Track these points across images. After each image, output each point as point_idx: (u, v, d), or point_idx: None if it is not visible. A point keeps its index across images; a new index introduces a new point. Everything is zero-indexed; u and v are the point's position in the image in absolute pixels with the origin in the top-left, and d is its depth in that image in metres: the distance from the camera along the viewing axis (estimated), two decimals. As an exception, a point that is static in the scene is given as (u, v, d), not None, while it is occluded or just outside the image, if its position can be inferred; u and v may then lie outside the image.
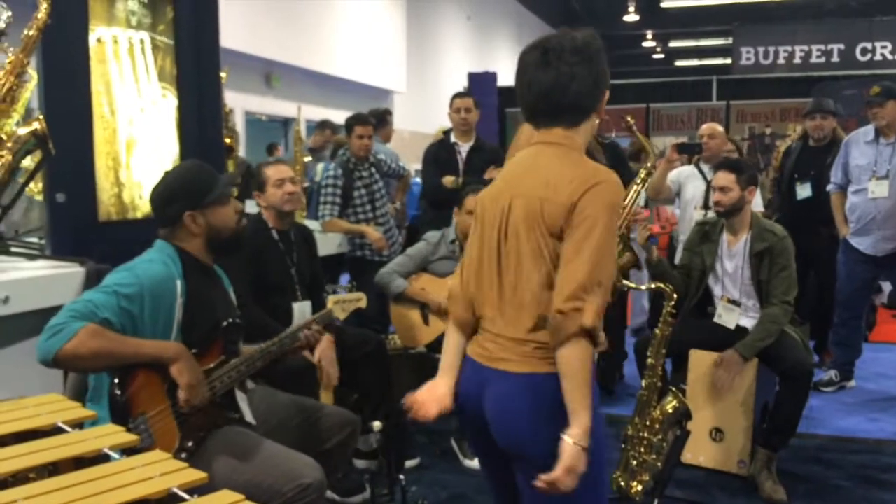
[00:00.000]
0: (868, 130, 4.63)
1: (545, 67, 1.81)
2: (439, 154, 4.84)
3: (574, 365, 1.70)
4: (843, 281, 4.76)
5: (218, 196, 2.31)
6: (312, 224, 4.55)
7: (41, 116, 2.86)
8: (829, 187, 4.81)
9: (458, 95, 4.88)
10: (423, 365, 4.18)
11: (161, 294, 2.14)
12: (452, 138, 4.86)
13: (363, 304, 2.85)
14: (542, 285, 1.78)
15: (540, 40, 1.86)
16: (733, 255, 3.58)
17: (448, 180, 4.67)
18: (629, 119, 2.92)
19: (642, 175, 3.33)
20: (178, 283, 2.19)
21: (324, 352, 3.16)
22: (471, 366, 1.92)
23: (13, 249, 3.06)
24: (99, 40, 3.20)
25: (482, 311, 1.92)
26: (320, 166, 6.06)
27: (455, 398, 1.96)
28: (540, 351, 1.79)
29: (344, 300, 2.81)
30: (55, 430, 1.55)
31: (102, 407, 2.02)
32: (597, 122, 1.94)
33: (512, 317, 1.83)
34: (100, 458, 1.43)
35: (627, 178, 3.25)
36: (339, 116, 5.95)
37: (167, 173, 2.38)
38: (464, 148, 4.80)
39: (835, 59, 13.81)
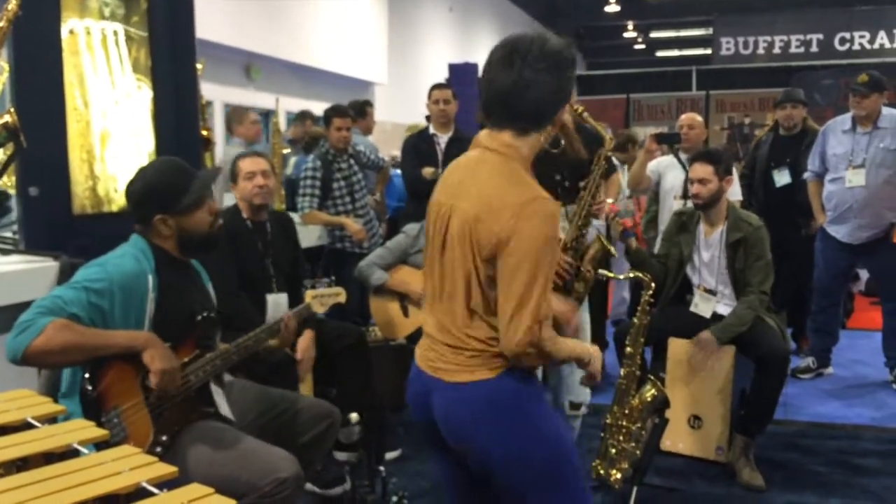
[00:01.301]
0: (845, 119, 4.66)
1: (508, 68, 1.74)
2: (419, 145, 4.84)
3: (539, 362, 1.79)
4: (821, 269, 4.80)
5: (191, 201, 2.28)
6: (292, 216, 4.53)
7: (12, 109, 2.82)
8: (806, 175, 4.85)
9: (436, 87, 4.87)
10: (404, 357, 4.18)
11: (132, 289, 2.13)
12: (431, 129, 4.85)
13: (342, 298, 2.84)
14: (471, 299, 1.79)
15: (509, 39, 1.79)
16: (710, 245, 3.60)
17: (427, 171, 4.67)
18: (578, 108, 2.89)
19: (599, 161, 3.20)
20: (150, 278, 2.18)
21: (305, 350, 3.15)
22: (415, 372, 1.93)
23: (-14, 244, 3.03)
24: (71, 32, 3.16)
25: (426, 316, 1.93)
26: (293, 160, 6.04)
27: (408, 403, 1.99)
28: (475, 359, 1.79)
29: (322, 294, 2.80)
30: (25, 426, 1.53)
31: (75, 402, 2.00)
32: (545, 134, 1.91)
33: (447, 325, 1.83)
34: (69, 454, 1.41)
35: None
36: (319, 108, 5.91)
37: (142, 170, 2.35)
38: (443, 139, 4.80)
39: (814, 48, 13.91)
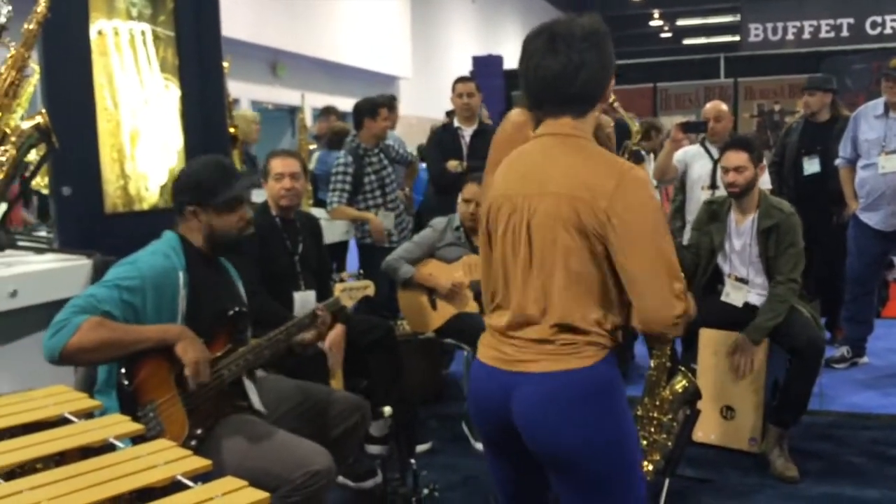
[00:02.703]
0: (878, 104, 4.57)
1: (553, 54, 1.73)
2: (443, 139, 4.84)
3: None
4: (854, 257, 4.73)
5: (225, 201, 2.31)
6: (319, 212, 4.56)
7: (43, 110, 2.86)
8: (838, 161, 4.77)
9: (459, 80, 4.87)
10: (433, 350, 4.20)
11: (163, 286, 2.16)
12: (456, 123, 4.85)
13: (371, 291, 2.84)
14: (573, 288, 1.73)
15: (545, 25, 1.78)
16: (741, 233, 3.56)
17: (452, 165, 4.67)
18: (610, 97, 2.87)
19: (624, 154, 3.19)
20: (181, 275, 2.20)
21: (334, 341, 3.17)
22: (487, 373, 1.84)
23: (21, 243, 3.08)
24: (100, 32, 3.20)
25: (495, 314, 1.86)
26: (316, 155, 6.07)
27: (470, 407, 1.93)
28: (566, 347, 1.74)
29: (351, 287, 2.81)
30: (62, 421, 1.56)
31: (111, 397, 2.04)
32: (600, 111, 1.88)
33: (530, 319, 1.77)
34: (105, 448, 1.44)
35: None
36: (345, 104, 5.95)
37: (191, 161, 2.41)
38: (467, 132, 4.79)
39: (844, 33, 13.66)
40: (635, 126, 2.87)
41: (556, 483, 1.85)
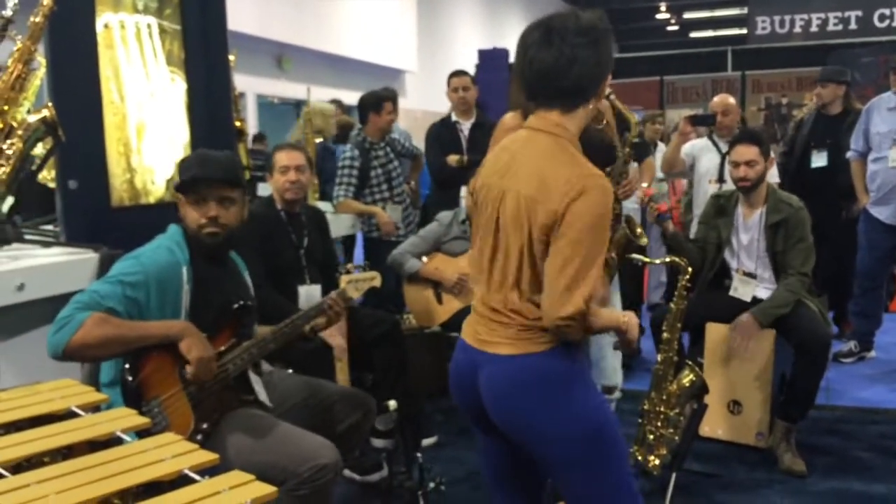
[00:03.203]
0: (890, 97, 4.54)
1: (547, 47, 1.77)
2: (441, 134, 4.81)
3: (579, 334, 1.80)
4: (864, 251, 4.70)
5: (184, 189, 2.28)
6: (325, 206, 4.55)
7: (50, 103, 2.86)
8: (849, 154, 4.73)
9: (454, 74, 4.85)
10: (439, 344, 4.19)
11: (167, 281, 2.15)
12: (453, 117, 4.83)
13: (377, 282, 2.83)
14: (522, 278, 1.82)
15: (543, 19, 1.82)
16: (749, 228, 3.54)
17: (452, 159, 4.65)
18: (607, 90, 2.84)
19: (624, 148, 3.13)
20: (185, 270, 2.20)
21: (339, 335, 3.16)
22: (462, 348, 1.95)
23: (28, 237, 3.08)
24: (106, 25, 3.19)
25: (476, 292, 1.96)
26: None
27: (450, 384, 2.00)
28: (524, 332, 1.82)
29: (357, 279, 2.79)
30: (69, 415, 1.56)
31: (116, 392, 2.04)
32: (593, 107, 1.90)
33: (497, 302, 1.86)
34: (112, 441, 1.44)
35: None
36: (350, 97, 5.93)
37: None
38: (465, 126, 4.78)
39: (852, 26, 13.56)
40: (634, 119, 2.84)
41: (541, 464, 1.92)
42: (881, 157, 4.50)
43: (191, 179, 2.26)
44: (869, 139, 4.58)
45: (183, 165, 2.35)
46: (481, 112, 4.89)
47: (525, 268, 1.81)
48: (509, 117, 2.02)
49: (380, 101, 4.68)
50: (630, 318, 1.94)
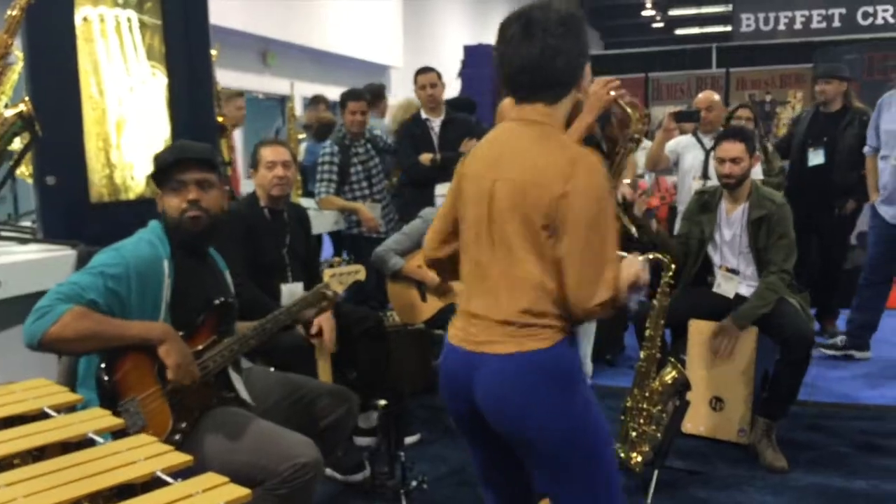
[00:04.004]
0: None
1: (529, 40, 1.75)
2: (412, 131, 4.78)
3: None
4: (872, 246, 4.71)
5: (162, 175, 2.25)
6: (308, 202, 4.53)
7: (27, 98, 2.82)
8: (866, 150, 4.70)
9: (420, 72, 4.82)
10: (422, 341, 4.18)
11: (148, 274, 2.12)
12: (423, 114, 4.80)
13: (362, 276, 2.80)
14: (530, 270, 1.76)
15: (522, 10, 1.80)
16: (732, 223, 3.55)
17: (426, 158, 4.62)
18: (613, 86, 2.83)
19: (624, 143, 3.05)
20: (166, 264, 2.18)
21: (325, 329, 3.14)
22: (453, 352, 1.88)
23: (4, 233, 3.04)
24: (85, 19, 3.15)
25: (464, 295, 1.90)
26: (303, 146, 6.03)
27: (441, 390, 1.94)
28: (524, 329, 1.77)
29: (341, 273, 2.76)
30: (41, 415, 1.53)
31: (92, 390, 2.01)
32: (577, 96, 1.91)
33: (497, 299, 1.80)
34: (85, 443, 1.41)
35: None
36: (335, 93, 5.89)
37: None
38: (436, 123, 4.76)
39: (836, 23, 13.62)
40: (635, 114, 2.83)
41: (527, 465, 1.88)
42: (888, 156, 4.48)
43: (169, 162, 2.24)
44: (879, 135, 4.58)
45: (159, 156, 2.32)
46: (450, 109, 4.87)
47: (528, 259, 1.76)
48: (508, 102, 2.01)
49: (343, 100, 4.68)
50: (638, 267, 1.83)
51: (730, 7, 15.99)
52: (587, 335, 3.05)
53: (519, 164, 1.77)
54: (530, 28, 1.75)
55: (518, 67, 1.78)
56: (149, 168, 3.35)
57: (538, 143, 1.78)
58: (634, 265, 1.82)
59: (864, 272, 4.76)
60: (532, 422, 1.77)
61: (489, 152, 1.87)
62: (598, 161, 1.77)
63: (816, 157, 5.00)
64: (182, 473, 1.31)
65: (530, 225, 1.74)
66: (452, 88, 8.51)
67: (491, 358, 1.79)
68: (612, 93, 2.71)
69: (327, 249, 5.45)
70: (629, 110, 2.82)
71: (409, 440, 3.57)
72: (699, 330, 3.59)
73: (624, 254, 2.03)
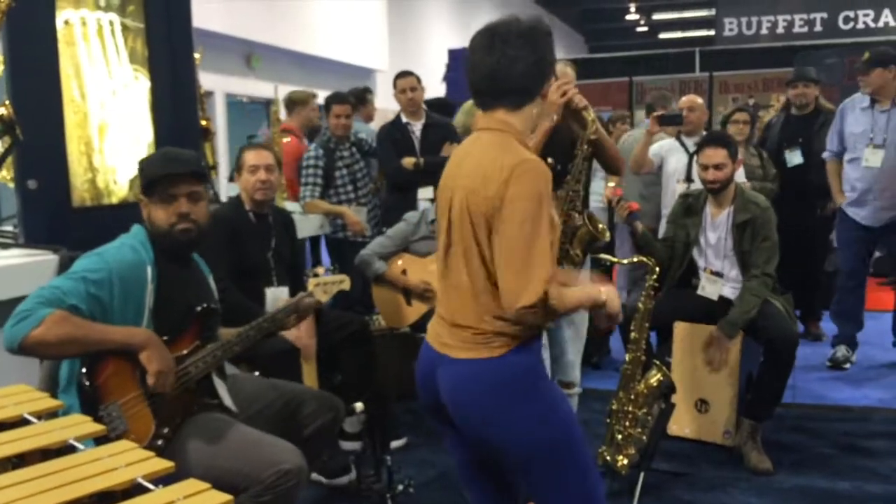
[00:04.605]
0: (862, 97, 4.56)
1: (490, 50, 1.84)
2: (393, 135, 4.78)
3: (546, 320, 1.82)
4: (843, 250, 4.73)
5: (150, 189, 2.24)
6: (293, 206, 4.51)
7: (7, 101, 2.79)
8: (825, 155, 4.75)
9: (399, 76, 4.82)
10: (408, 345, 4.16)
11: (130, 279, 2.11)
12: (404, 118, 4.80)
13: (346, 286, 2.80)
14: (473, 277, 1.83)
15: (489, 25, 1.89)
16: (717, 227, 3.57)
17: (408, 162, 4.61)
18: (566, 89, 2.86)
19: (581, 145, 2.92)
20: (149, 269, 2.16)
21: (307, 336, 3.13)
22: (426, 348, 1.98)
23: (-16, 238, 3.01)
24: (66, 22, 3.12)
25: (438, 294, 1.99)
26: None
27: (416, 380, 2.01)
28: (478, 336, 1.83)
29: (325, 282, 2.77)
30: (21, 422, 1.51)
31: (74, 396, 1.99)
32: (538, 109, 1.94)
33: (454, 304, 1.88)
34: (66, 450, 1.40)
35: None
36: (320, 97, 5.87)
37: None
38: (416, 127, 4.75)
39: (818, 28, 13.74)
40: (591, 115, 2.84)
41: (504, 466, 1.96)
42: (856, 158, 4.52)
43: (159, 177, 2.22)
44: (844, 139, 4.61)
45: (146, 165, 2.30)
46: (431, 112, 4.87)
47: (475, 266, 1.82)
48: (478, 113, 2.04)
49: (328, 104, 4.71)
50: (609, 290, 1.87)
51: (713, 11, 16.11)
52: (575, 342, 3.04)
53: (470, 172, 1.84)
54: (492, 39, 1.84)
55: (479, 76, 1.87)
56: (132, 172, 3.35)
57: (489, 151, 1.84)
58: (608, 290, 1.87)
59: (841, 279, 4.77)
60: (492, 428, 1.83)
61: (454, 161, 1.95)
62: (538, 166, 1.80)
63: (795, 158, 5.03)
64: (164, 480, 1.30)
65: (478, 231, 1.81)
66: (438, 92, 8.51)
67: (449, 360, 1.87)
68: (564, 96, 2.74)
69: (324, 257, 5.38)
70: (583, 113, 2.83)
71: (395, 444, 3.56)
72: (684, 332, 3.60)
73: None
